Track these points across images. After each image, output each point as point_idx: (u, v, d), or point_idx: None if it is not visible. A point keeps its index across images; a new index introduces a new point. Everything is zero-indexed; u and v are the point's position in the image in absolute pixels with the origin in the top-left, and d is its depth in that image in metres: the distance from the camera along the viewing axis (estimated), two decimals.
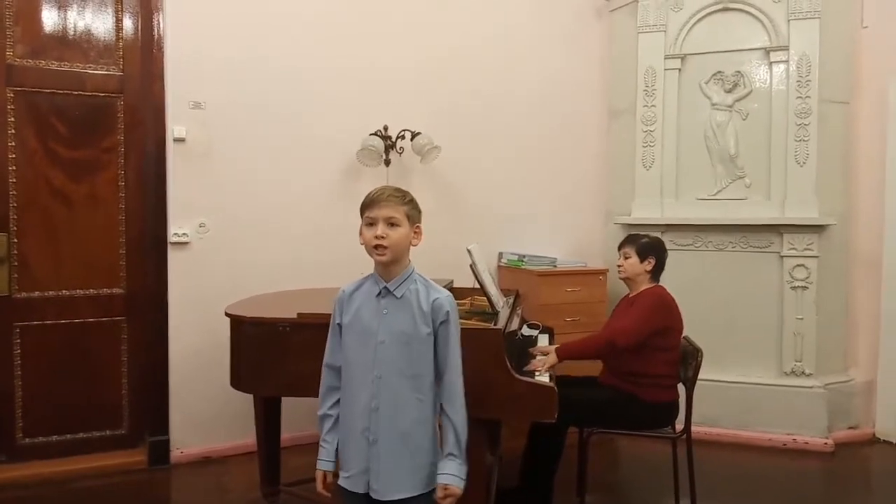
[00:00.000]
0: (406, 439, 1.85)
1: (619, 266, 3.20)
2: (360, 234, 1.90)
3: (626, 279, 3.20)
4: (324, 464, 1.95)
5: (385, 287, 1.88)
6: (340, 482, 1.91)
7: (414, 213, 1.91)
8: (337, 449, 1.94)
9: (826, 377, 4.08)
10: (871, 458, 3.96)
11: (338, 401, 1.94)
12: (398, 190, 1.91)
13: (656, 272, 3.14)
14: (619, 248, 3.22)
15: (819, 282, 4.03)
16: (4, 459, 3.42)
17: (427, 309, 1.87)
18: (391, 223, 1.85)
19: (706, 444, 3.88)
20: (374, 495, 1.85)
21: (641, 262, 3.11)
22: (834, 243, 4.09)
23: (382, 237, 1.83)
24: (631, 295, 3.17)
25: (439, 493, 1.84)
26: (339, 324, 1.95)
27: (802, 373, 4.05)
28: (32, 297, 3.46)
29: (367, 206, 1.89)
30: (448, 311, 1.89)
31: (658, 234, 4.22)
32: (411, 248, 1.92)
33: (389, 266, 1.88)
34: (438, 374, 1.90)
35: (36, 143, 3.44)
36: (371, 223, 1.86)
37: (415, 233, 1.91)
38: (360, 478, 1.86)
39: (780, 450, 3.97)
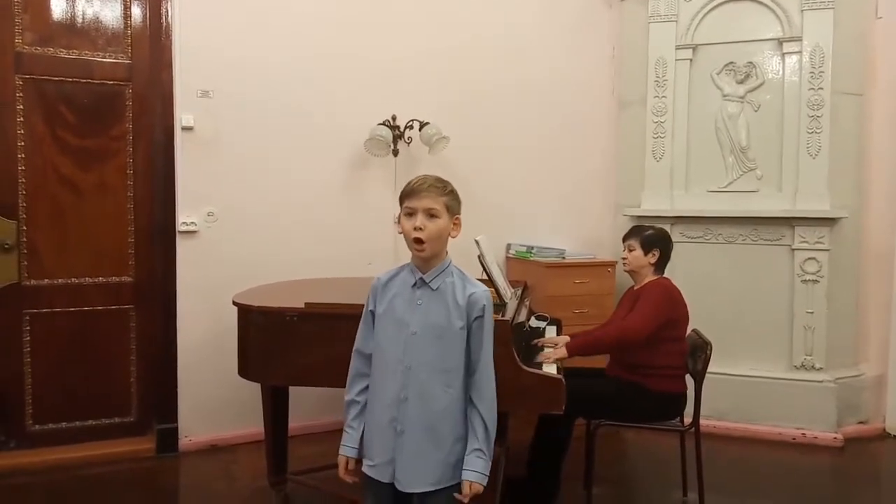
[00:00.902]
0: (433, 432, 1.82)
1: (623, 258, 3.20)
2: (398, 222, 1.88)
3: (630, 271, 3.19)
4: (347, 450, 1.93)
5: (421, 278, 1.87)
6: (365, 470, 1.89)
7: (454, 205, 1.88)
8: (362, 436, 1.92)
9: (836, 371, 4.05)
10: (881, 453, 3.94)
11: (366, 387, 1.93)
12: (439, 180, 1.89)
13: (661, 264, 3.13)
14: (624, 239, 3.21)
15: (830, 275, 4.00)
16: (14, 446, 3.45)
17: (463, 303, 1.85)
18: (431, 214, 1.83)
19: (714, 437, 3.87)
20: (399, 486, 1.83)
21: (646, 254, 3.10)
22: (845, 237, 4.05)
23: (421, 228, 1.81)
24: (636, 287, 3.16)
25: (465, 489, 1.82)
26: (371, 311, 1.93)
27: (812, 367, 4.02)
28: (41, 285, 3.47)
29: (406, 195, 1.86)
30: (484, 306, 1.87)
31: (668, 227, 4.20)
32: (449, 239, 1.90)
33: (427, 258, 1.86)
34: (470, 369, 1.87)
35: (44, 130, 3.44)
36: (410, 213, 1.84)
37: (454, 224, 1.89)
38: (386, 468, 1.84)
39: (789, 444, 3.95)
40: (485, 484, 1.83)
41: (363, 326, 1.96)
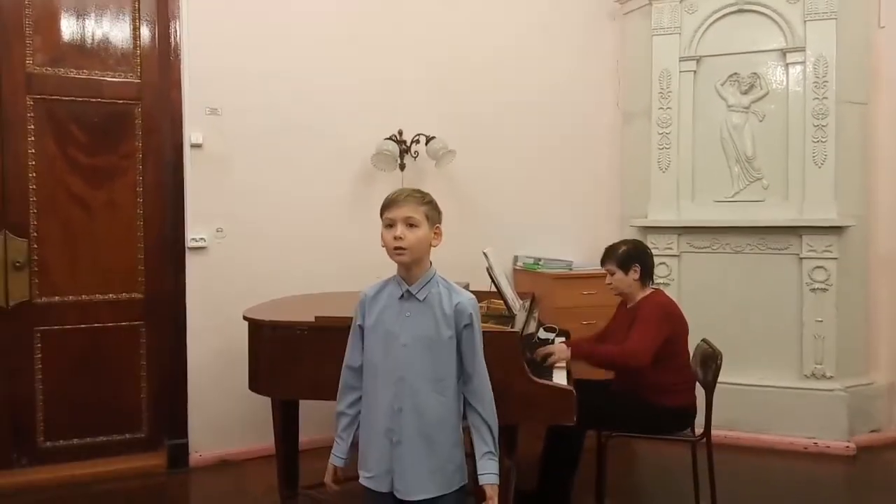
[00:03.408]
0: (429, 440, 1.86)
1: (607, 284, 3.14)
2: (382, 236, 1.90)
3: (619, 294, 3.15)
4: (336, 459, 1.99)
5: (407, 290, 1.89)
6: (363, 482, 1.92)
7: (433, 214, 1.91)
8: (352, 446, 1.96)
9: (847, 380, 4.03)
10: (894, 461, 3.91)
11: (355, 400, 1.97)
12: (417, 190, 1.92)
13: (646, 276, 3.07)
14: (602, 264, 3.15)
15: (839, 283, 3.99)
16: (25, 463, 3.45)
17: (450, 312, 1.87)
18: (410, 224, 1.85)
19: (726, 447, 3.83)
20: (398, 495, 1.86)
21: (626, 273, 3.05)
22: (853, 244, 4.05)
23: (401, 238, 1.83)
24: (630, 305, 3.11)
25: (489, 493, 1.87)
26: (360, 326, 1.96)
27: (823, 375, 4.01)
28: (52, 302, 3.50)
29: (386, 207, 1.89)
30: (471, 314, 1.89)
31: (675, 237, 4.22)
32: (432, 249, 1.92)
33: (411, 268, 1.88)
34: (465, 377, 1.91)
35: (55, 149, 3.48)
36: (390, 224, 1.87)
37: (435, 234, 1.91)
38: (384, 478, 1.87)
39: (800, 453, 3.92)
40: (499, 482, 1.89)
41: (352, 341, 1.99)
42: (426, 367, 1.86)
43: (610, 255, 3.11)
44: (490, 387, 1.93)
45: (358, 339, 1.97)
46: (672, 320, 2.96)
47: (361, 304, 1.97)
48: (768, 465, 3.77)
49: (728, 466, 3.48)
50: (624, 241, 3.20)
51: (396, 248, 1.84)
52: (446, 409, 1.88)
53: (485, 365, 1.93)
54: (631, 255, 3.06)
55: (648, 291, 3.08)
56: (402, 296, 1.90)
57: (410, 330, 1.87)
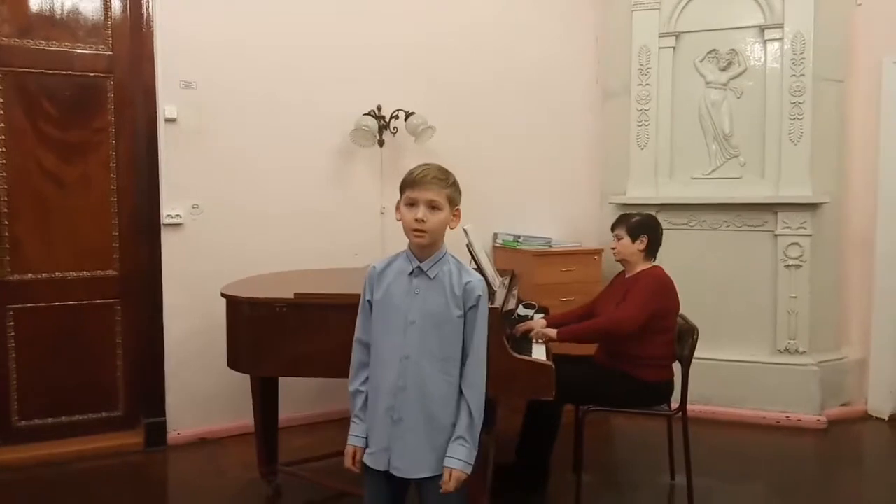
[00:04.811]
0: (431, 419, 1.82)
1: (612, 248, 3.19)
2: (398, 209, 1.87)
3: (621, 260, 3.18)
4: (355, 439, 1.91)
5: (418, 266, 1.85)
6: (365, 458, 1.89)
7: (455, 196, 1.87)
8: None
9: (819, 355, 4.10)
10: (864, 434, 4.01)
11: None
12: (441, 171, 1.86)
13: (651, 250, 3.12)
14: (612, 229, 3.20)
15: (812, 260, 4.05)
16: (0, 442, 3.41)
17: (459, 292, 1.84)
18: (433, 206, 1.81)
19: (700, 421, 3.90)
20: (395, 473, 1.83)
21: (633, 241, 3.08)
22: (827, 221, 4.10)
23: (423, 221, 1.79)
24: (628, 276, 3.15)
25: (445, 477, 1.80)
26: (368, 301, 1.92)
27: (796, 350, 4.08)
28: (25, 280, 3.44)
29: (408, 185, 1.84)
30: (479, 296, 1.86)
31: (653, 214, 4.23)
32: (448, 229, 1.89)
33: (425, 247, 1.85)
34: (464, 357, 1.87)
35: (26, 124, 3.39)
36: (412, 203, 1.82)
37: (454, 215, 1.88)
38: (382, 455, 1.84)
39: (773, 427, 4.00)
40: (468, 472, 1.82)
41: (362, 316, 1.94)
42: (433, 345, 1.82)
43: (622, 221, 3.16)
44: (484, 375, 1.88)
45: (368, 314, 1.92)
46: (666, 295, 2.99)
47: (370, 278, 1.92)
48: (742, 438, 3.85)
49: (703, 440, 3.55)
50: (639, 213, 3.26)
51: (416, 231, 1.81)
52: (451, 389, 1.84)
53: (484, 350, 1.88)
54: (642, 226, 3.11)
55: (649, 265, 3.11)
56: (412, 272, 1.86)
57: (419, 307, 1.83)
